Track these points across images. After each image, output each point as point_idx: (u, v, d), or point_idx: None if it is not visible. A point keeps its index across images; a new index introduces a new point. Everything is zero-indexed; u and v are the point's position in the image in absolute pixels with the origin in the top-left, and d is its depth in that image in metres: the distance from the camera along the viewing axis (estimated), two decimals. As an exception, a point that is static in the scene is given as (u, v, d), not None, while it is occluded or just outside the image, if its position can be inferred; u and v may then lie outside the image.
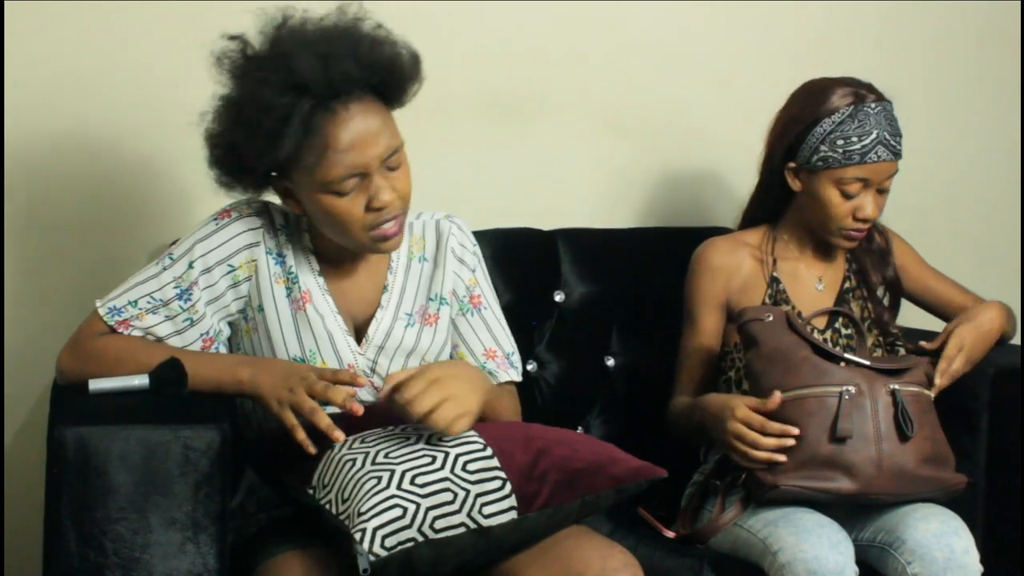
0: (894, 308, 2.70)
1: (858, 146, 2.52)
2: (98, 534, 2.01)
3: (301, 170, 2.17)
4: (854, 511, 2.44)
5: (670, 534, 2.50)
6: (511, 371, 2.41)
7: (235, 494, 2.30)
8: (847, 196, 2.56)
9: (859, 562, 2.35)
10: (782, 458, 2.36)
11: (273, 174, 2.21)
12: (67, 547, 2.01)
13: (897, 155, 2.55)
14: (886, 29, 3.22)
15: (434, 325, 2.37)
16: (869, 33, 3.20)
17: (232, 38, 2.19)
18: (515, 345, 2.44)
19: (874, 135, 2.52)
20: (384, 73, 2.18)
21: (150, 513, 2.03)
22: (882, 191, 2.57)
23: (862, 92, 2.55)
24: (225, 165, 2.22)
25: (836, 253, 2.68)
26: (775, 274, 2.64)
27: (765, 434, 2.37)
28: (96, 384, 2.17)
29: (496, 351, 2.40)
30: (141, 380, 2.17)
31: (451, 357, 2.40)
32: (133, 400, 2.15)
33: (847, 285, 2.67)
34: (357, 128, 2.15)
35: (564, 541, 2.16)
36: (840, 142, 2.52)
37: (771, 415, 2.39)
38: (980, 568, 2.35)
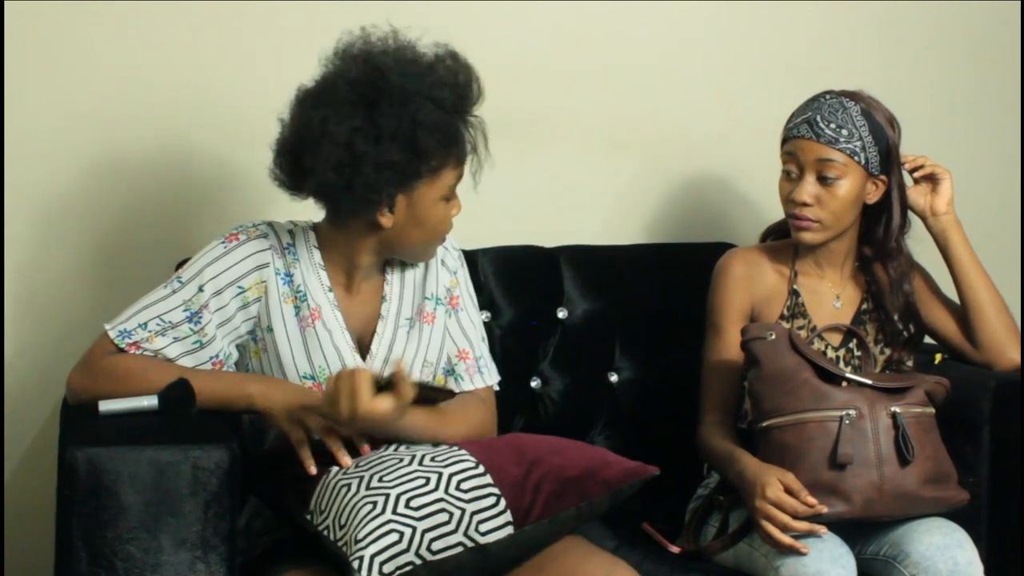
0: (913, 342, 2.65)
1: (791, 123, 2.57)
2: (109, 554, 2.03)
3: (435, 179, 2.27)
4: (857, 525, 2.44)
5: (675, 549, 2.50)
6: (477, 376, 2.44)
7: (240, 514, 2.30)
8: (788, 176, 2.57)
9: (864, 575, 2.37)
10: (807, 550, 2.32)
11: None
12: (78, 568, 2.03)
13: (818, 137, 2.51)
14: (886, 33, 3.22)
15: (432, 324, 2.41)
16: (869, 40, 3.21)
17: (368, 68, 2.25)
18: (486, 349, 2.48)
19: (807, 115, 2.55)
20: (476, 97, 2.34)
21: (160, 533, 2.04)
22: (825, 181, 2.52)
23: (837, 91, 2.57)
24: (346, 190, 2.23)
25: (856, 273, 2.66)
26: (795, 287, 2.62)
27: (796, 517, 2.34)
28: (106, 406, 2.18)
29: (468, 353, 2.44)
30: (150, 401, 2.18)
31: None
32: (142, 421, 2.17)
33: (865, 307, 2.64)
34: None
35: (568, 558, 2.17)
36: (788, 121, 2.58)
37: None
38: (984, 580, 2.37)
